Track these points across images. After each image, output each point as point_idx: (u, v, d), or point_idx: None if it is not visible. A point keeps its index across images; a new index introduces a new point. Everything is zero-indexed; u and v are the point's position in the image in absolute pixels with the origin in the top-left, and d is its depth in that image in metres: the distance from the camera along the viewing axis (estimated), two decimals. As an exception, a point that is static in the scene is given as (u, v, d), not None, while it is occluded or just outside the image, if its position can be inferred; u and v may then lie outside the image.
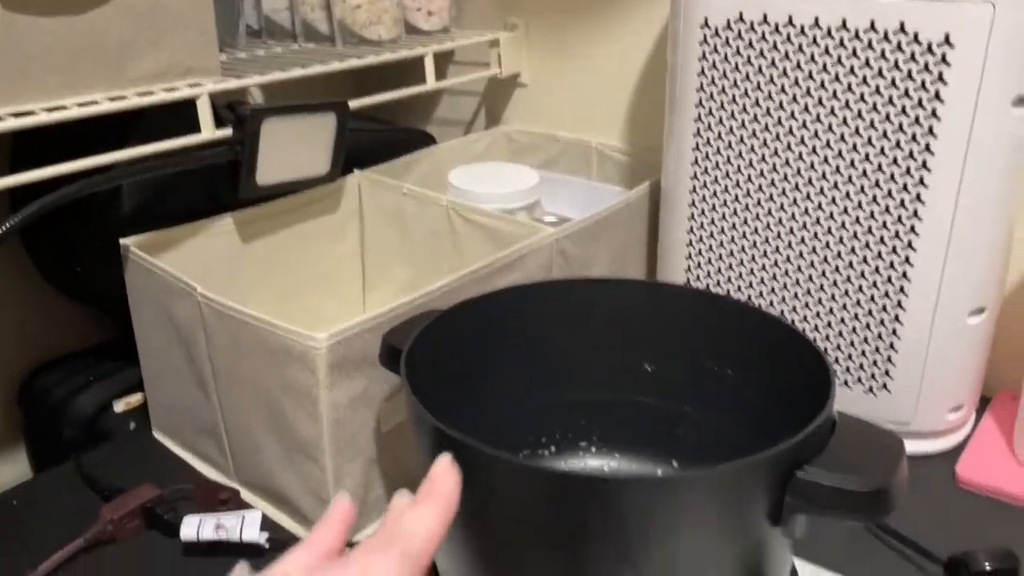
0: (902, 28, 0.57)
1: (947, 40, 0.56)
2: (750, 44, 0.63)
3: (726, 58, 0.65)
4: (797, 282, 0.68)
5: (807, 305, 0.68)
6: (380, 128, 0.94)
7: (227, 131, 0.68)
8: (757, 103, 0.65)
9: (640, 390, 0.59)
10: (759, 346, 0.52)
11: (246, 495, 0.64)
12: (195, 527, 0.57)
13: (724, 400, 0.55)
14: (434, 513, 0.32)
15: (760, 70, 0.64)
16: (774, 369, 0.51)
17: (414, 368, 0.47)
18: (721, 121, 0.67)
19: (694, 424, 0.57)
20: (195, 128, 0.67)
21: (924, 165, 0.60)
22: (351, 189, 0.81)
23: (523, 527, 0.41)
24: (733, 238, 0.70)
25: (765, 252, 0.69)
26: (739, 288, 0.71)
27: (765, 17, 0.62)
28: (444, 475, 0.34)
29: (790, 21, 0.61)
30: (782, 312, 0.70)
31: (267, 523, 0.60)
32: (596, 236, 0.73)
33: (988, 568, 0.54)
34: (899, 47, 0.58)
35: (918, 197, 0.61)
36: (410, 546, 0.31)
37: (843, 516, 0.41)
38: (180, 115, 0.67)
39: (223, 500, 0.62)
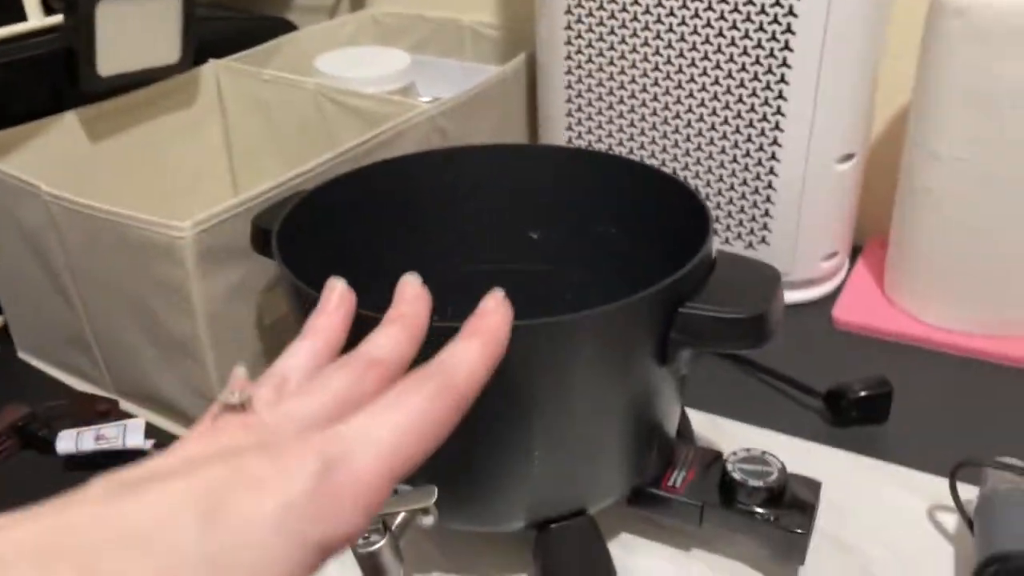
0: None
1: None
2: None
3: (591, -89, 0.63)
4: (676, 142, 0.68)
5: (687, 166, 0.69)
6: (235, 15, 0.88)
7: (58, 18, 0.62)
8: (625, -42, 0.63)
9: (527, 258, 0.58)
10: (640, 200, 0.52)
11: (126, 405, 0.61)
12: (73, 440, 0.54)
13: (611, 259, 0.55)
14: (479, 347, 0.27)
15: (626, -78, 0.62)
16: (656, 221, 0.51)
17: (288, 249, 0.45)
18: (591, -20, 0.65)
19: (583, 286, 0.57)
20: (21, 16, 0.61)
21: (791, 11, 0.60)
22: (208, 80, 0.76)
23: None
24: (611, 104, 0.69)
25: (643, 115, 0.68)
26: (621, 152, 0.71)
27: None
28: (494, 310, 0.29)
29: None
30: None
31: (152, 431, 0.57)
32: (474, 112, 0.71)
33: (864, 395, 0.57)
34: None
35: (786, 45, 0.61)
36: (450, 380, 0.25)
37: (727, 346, 0.42)
38: (3, 2, 0.60)
39: (102, 412, 0.59)
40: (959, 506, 0.48)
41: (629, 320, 0.40)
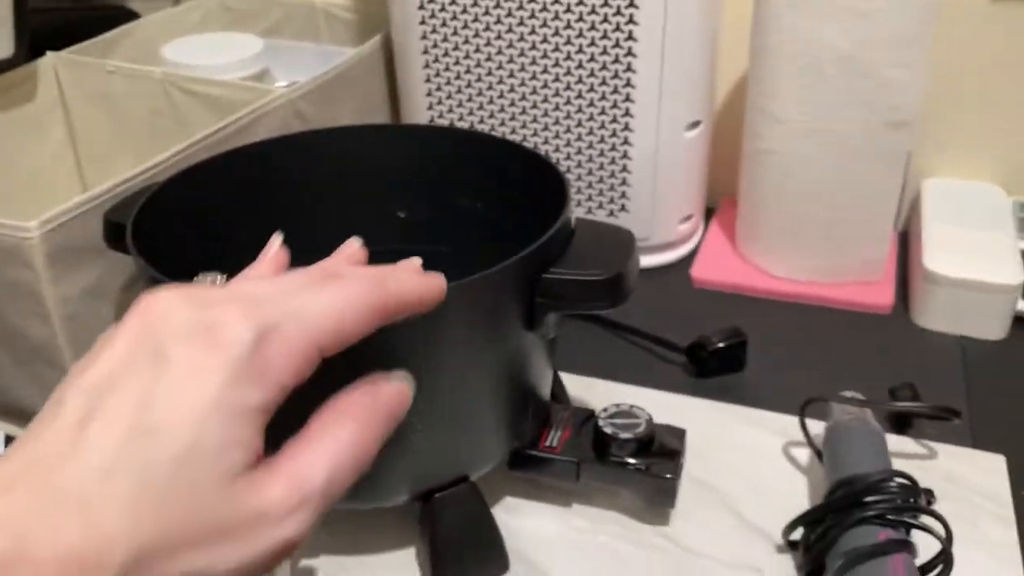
0: None
1: None
2: None
3: None
4: (535, 117, 0.70)
5: (547, 140, 0.71)
6: (72, 5, 0.83)
7: None
8: (472, -63, 0.64)
9: (396, 238, 0.58)
10: (502, 174, 0.53)
11: (-18, 420, 0.58)
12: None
13: (478, 235, 0.56)
14: (411, 273, 0.30)
15: (470, -99, 0.63)
16: (519, 193, 0.52)
17: (144, 243, 0.44)
18: (440, -40, 0.66)
19: (453, 264, 0.58)
20: None
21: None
22: (46, 74, 0.72)
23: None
24: (469, 82, 0.70)
25: (502, 91, 0.70)
26: (483, 128, 0.72)
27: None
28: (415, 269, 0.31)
29: None
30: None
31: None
32: (333, 95, 0.71)
33: (721, 346, 0.61)
34: None
35: (631, 19, 0.63)
36: (381, 283, 0.28)
37: (589, 306, 0.44)
38: None
39: (-46, 430, 0.56)
40: (809, 440, 0.52)
41: (495, 289, 0.41)
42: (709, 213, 0.81)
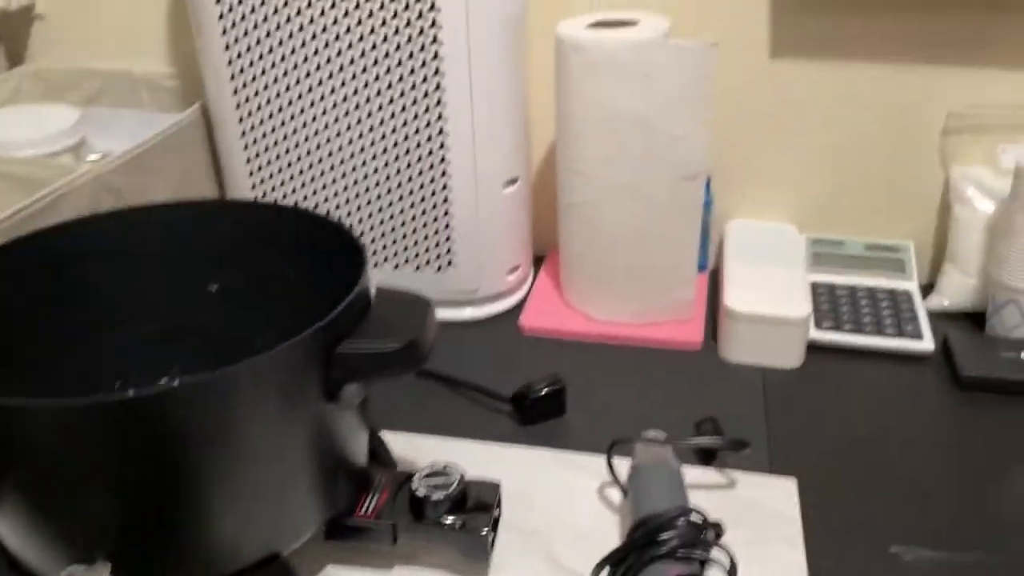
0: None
1: (430, -64, 0.61)
2: (257, -49, 0.63)
3: (237, -33, 0.64)
4: (356, 181, 0.71)
5: (369, 201, 0.72)
6: None
7: None
8: (276, 10, 0.65)
9: (210, 312, 0.58)
10: (307, 243, 0.54)
11: None
12: None
13: (291, 302, 0.57)
14: None
15: (273, -23, 0.64)
16: (324, 261, 0.54)
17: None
18: (247, 32, 0.67)
19: (272, 332, 0.59)
20: None
21: (436, 56, 0.65)
22: None
23: (90, 466, 0.40)
24: (288, 149, 0.71)
25: (320, 158, 0.71)
26: (304, 197, 0.73)
27: None
28: None
29: (289, -75, 0.62)
30: (350, 215, 0.73)
31: None
32: (149, 166, 0.70)
33: (543, 393, 0.64)
34: (392, -55, 0.61)
35: (438, 86, 0.66)
36: None
37: (387, 374, 0.45)
38: None
39: None
40: (616, 480, 0.55)
41: (285, 365, 0.42)
42: (540, 260, 0.84)
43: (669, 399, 0.66)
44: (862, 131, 0.76)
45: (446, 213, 0.72)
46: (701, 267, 0.80)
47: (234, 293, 0.58)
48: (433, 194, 0.71)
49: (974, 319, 0.74)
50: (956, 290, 0.73)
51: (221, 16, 0.66)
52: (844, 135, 0.76)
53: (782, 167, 0.79)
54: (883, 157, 0.76)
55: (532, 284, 0.81)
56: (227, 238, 0.57)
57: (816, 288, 0.75)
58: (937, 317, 0.74)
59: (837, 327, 0.70)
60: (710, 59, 0.62)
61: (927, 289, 0.77)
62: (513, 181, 0.73)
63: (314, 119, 0.69)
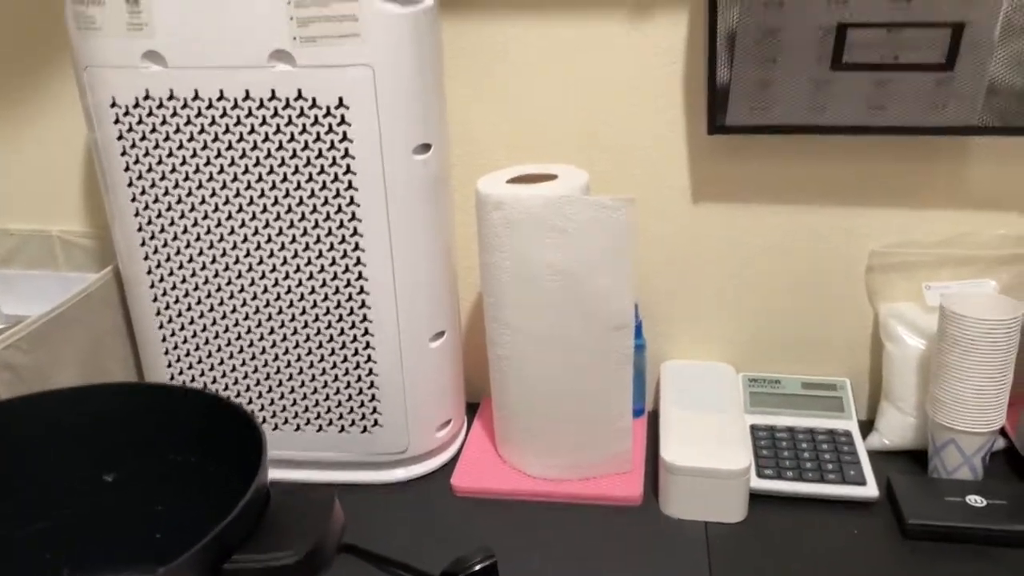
0: (300, 95, 0.60)
1: (341, 102, 0.60)
2: (164, 120, 0.62)
3: (144, 136, 0.63)
4: (275, 350, 0.69)
5: (289, 363, 0.69)
6: None
7: None
8: (188, 176, 0.64)
9: (107, 501, 0.54)
10: (209, 427, 0.51)
11: None
12: None
13: (194, 489, 0.53)
14: None
15: (181, 145, 0.63)
16: (227, 446, 0.50)
17: None
18: (157, 199, 0.65)
19: (171, 521, 0.54)
20: None
21: (354, 216, 0.64)
22: None
23: None
24: (202, 312, 0.69)
25: (237, 319, 0.68)
26: (221, 361, 0.70)
27: (172, 93, 0.61)
28: None
29: (197, 95, 0.61)
30: (268, 377, 0.70)
31: None
32: (54, 337, 0.67)
33: (475, 569, 0.60)
34: (302, 112, 0.61)
35: (357, 246, 0.65)
36: None
37: (284, 588, 0.41)
38: None
39: None
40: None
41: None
42: (476, 408, 0.81)
43: (610, 562, 0.63)
44: (789, 268, 0.76)
45: (370, 372, 0.69)
46: (638, 412, 0.78)
47: (133, 481, 0.54)
48: (356, 353, 0.68)
49: (915, 457, 0.72)
50: (895, 429, 0.72)
51: (130, 179, 0.65)
52: (771, 273, 0.76)
53: (713, 306, 0.78)
54: (812, 294, 0.76)
55: (466, 436, 0.78)
56: (126, 425, 0.54)
57: (755, 431, 0.73)
58: (878, 456, 0.73)
59: (779, 475, 0.68)
60: (629, 214, 0.62)
61: (866, 426, 0.76)
62: (440, 334, 0.71)
63: (228, 280, 0.67)
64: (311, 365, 0.69)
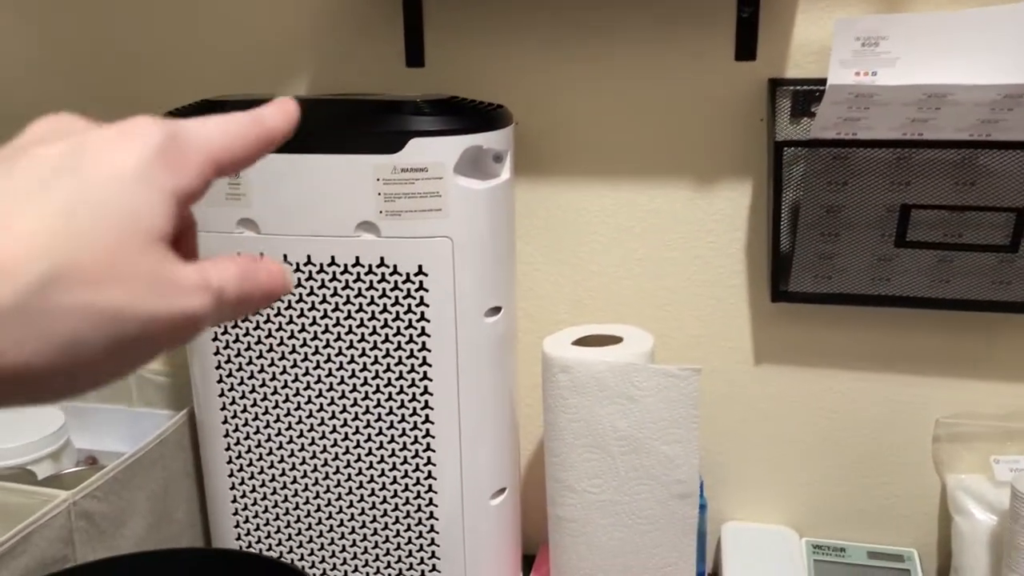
0: (382, 262, 0.63)
1: (420, 270, 0.63)
2: (252, 281, 0.66)
3: (232, 295, 0.66)
4: (340, 503, 0.70)
5: (352, 529, 0.70)
6: None
7: None
8: (270, 333, 0.67)
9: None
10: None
11: None
12: None
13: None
14: (281, 110, 0.30)
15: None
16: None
17: None
18: (239, 352, 0.68)
19: None
20: None
21: (425, 376, 0.66)
22: None
23: None
24: (272, 464, 0.70)
25: (305, 471, 0.70)
26: (286, 510, 0.71)
27: (262, 255, 0.65)
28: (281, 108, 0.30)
29: (285, 259, 0.65)
30: (331, 530, 0.70)
31: None
32: (130, 484, 0.68)
33: None
34: (383, 278, 0.64)
35: (426, 404, 0.66)
36: (262, 119, 0.29)
37: None
38: None
39: None
40: None
41: None
42: (530, 561, 0.81)
43: None
44: (853, 434, 0.75)
45: (431, 529, 0.69)
46: (699, 575, 0.77)
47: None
48: (418, 509, 0.69)
49: (991, 638, 0.70)
50: (968, 607, 0.70)
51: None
52: (835, 439, 0.76)
53: (776, 470, 0.78)
54: (877, 461, 0.75)
55: (522, 593, 0.77)
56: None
57: (821, 602, 0.71)
58: (951, 635, 0.70)
59: (847, 654, 0.66)
60: (694, 383, 0.63)
61: (936, 600, 0.74)
62: (501, 491, 0.71)
63: (300, 433, 0.69)
64: (373, 520, 0.70)
